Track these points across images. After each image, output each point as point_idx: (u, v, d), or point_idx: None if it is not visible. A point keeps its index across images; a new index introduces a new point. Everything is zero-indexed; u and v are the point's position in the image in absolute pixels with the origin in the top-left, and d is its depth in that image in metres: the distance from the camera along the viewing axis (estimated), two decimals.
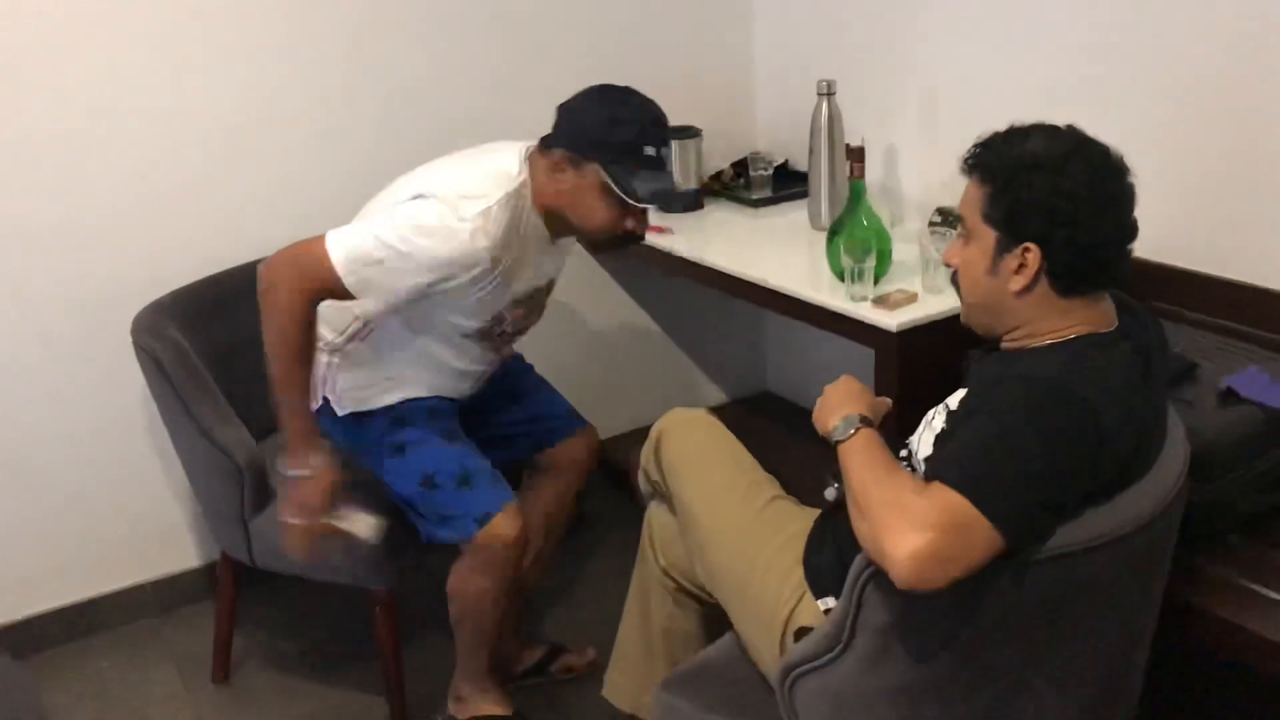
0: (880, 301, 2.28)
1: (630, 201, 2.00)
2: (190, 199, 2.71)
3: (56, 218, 2.58)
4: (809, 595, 1.73)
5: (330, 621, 2.83)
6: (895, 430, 2.24)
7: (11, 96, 2.47)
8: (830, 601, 1.70)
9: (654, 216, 2.91)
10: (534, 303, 2.26)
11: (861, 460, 1.49)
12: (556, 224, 2.11)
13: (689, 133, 3.02)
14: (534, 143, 2.10)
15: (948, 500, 1.33)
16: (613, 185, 1.99)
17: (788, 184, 3.13)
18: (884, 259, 2.37)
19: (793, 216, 2.98)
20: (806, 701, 1.57)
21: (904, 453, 1.68)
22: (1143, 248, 1.60)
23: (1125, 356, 1.52)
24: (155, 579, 2.90)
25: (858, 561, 1.44)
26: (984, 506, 1.33)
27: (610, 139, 1.98)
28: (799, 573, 1.76)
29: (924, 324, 2.23)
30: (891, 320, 2.21)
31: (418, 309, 2.09)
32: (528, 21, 2.96)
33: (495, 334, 2.22)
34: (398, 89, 2.85)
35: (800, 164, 3.19)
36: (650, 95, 2.04)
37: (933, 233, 2.50)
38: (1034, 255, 1.50)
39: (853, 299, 2.32)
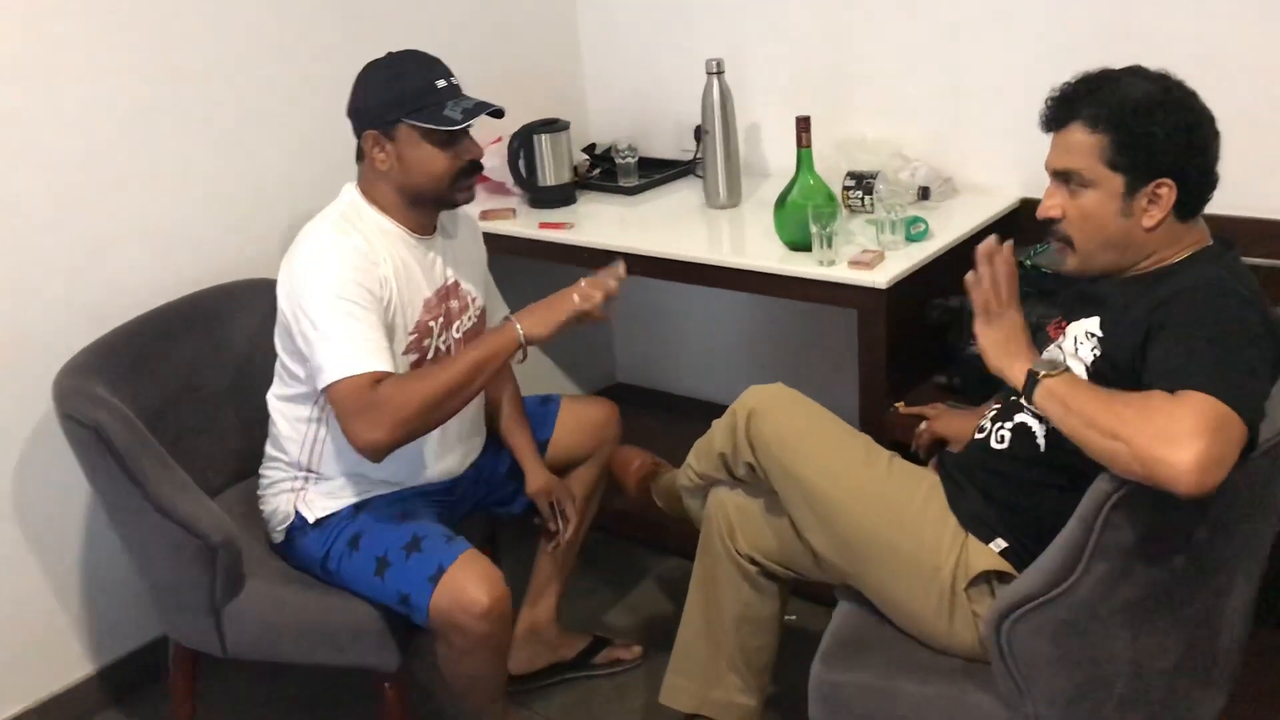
0: (856, 263, 2.33)
1: (454, 131, 1.99)
2: (56, 240, 2.33)
3: None
4: (972, 541, 1.76)
5: (289, 708, 2.52)
6: (887, 390, 2.35)
7: None
8: (1000, 542, 1.75)
9: (550, 214, 2.87)
10: (463, 318, 2.18)
11: (1084, 390, 1.54)
12: (411, 212, 2.07)
13: (558, 125, 2.93)
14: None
15: (1204, 403, 1.40)
16: (428, 126, 1.97)
17: (648, 170, 3.11)
18: (839, 223, 2.43)
19: (675, 198, 2.98)
20: (1026, 641, 1.60)
21: None
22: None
23: (1238, 261, 1.67)
24: (39, 702, 2.44)
25: (1099, 487, 1.49)
26: (1233, 403, 1.40)
27: (403, 92, 1.98)
28: (952, 521, 1.78)
29: (906, 278, 2.31)
30: (880, 277, 2.27)
31: None
32: (375, 29, 2.77)
33: (432, 355, 2.11)
34: (252, 100, 2.59)
35: (647, 150, 3.20)
36: (481, 95, 2.05)
37: (853, 196, 2.62)
38: (1169, 189, 1.61)
39: (821, 264, 2.35)
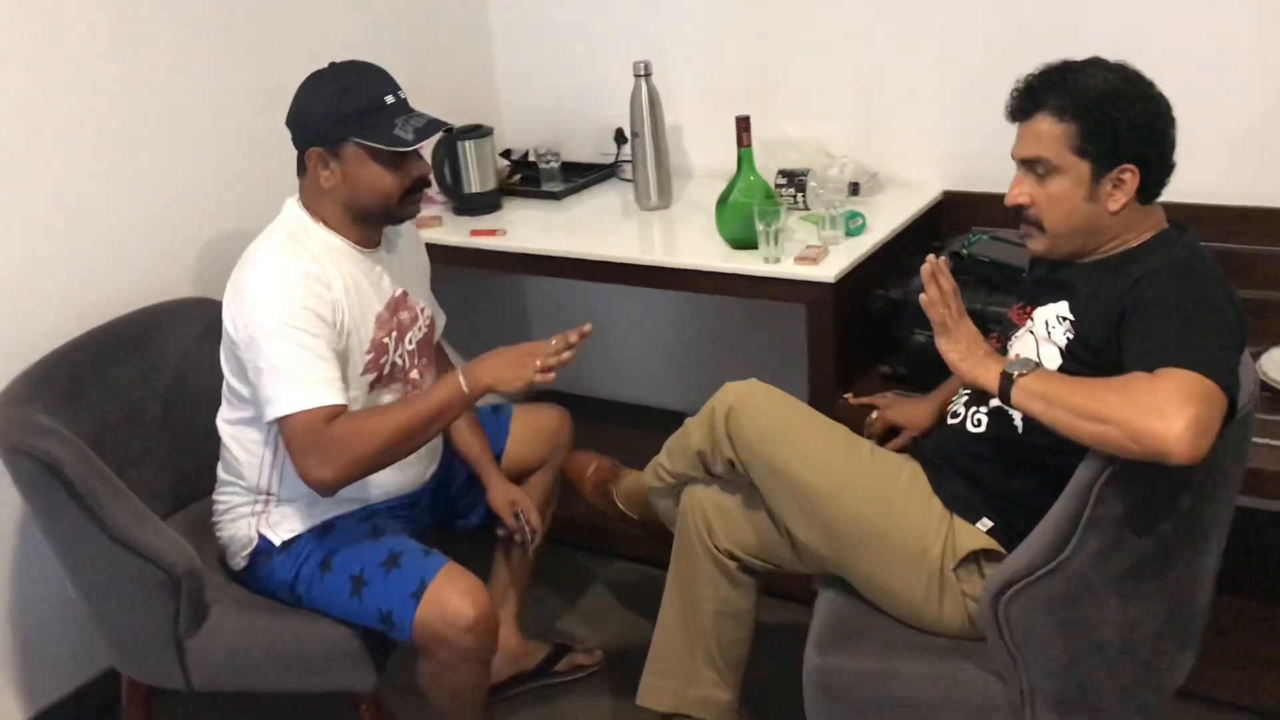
0: (802, 259, 2.37)
1: (402, 150, 1.93)
2: None
3: None
4: (958, 522, 1.81)
5: None
6: (836, 382, 2.39)
7: None
8: (987, 522, 1.80)
9: (478, 221, 2.84)
10: (414, 329, 2.13)
11: (1062, 382, 1.60)
12: (357, 227, 2.01)
13: (481, 131, 2.91)
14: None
15: (1184, 378, 1.48)
16: (378, 146, 1.92)
17: (570, 174, 3.11)
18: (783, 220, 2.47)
19: (602, 201, 2.99)
20: (1023, 614, 1.65)
21: None
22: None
23: (1196, 241, 1.76)
24: None
25: (1090, 466, 1.55)
26: (1211, 374, 1.49)
27: (348, 109, 1.91)
28: (937, 504, 1.83)
29: (850, 271, 2.36)
30: (828, 272, 2.32)
31: None
32: (286, 37, 2.70)
33: (389, 371, 2.07)
34: (166, 116, 2.49)
35: (565, 154, 3.18)
36: None
37: (785, 194, 2.67)
38: (1132, 174, 1.68)
39: (767, 261, 2.39)
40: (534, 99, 3.29)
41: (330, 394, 1.86)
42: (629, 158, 3.00)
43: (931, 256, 1.77)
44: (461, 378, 1.90)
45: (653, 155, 2.80)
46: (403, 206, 2.01)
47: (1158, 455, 1.45)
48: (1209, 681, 2.14)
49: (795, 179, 2.70)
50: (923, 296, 1.76)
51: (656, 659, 2.15)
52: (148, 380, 2.29)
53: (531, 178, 3.10)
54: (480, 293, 3.33)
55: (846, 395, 2.42)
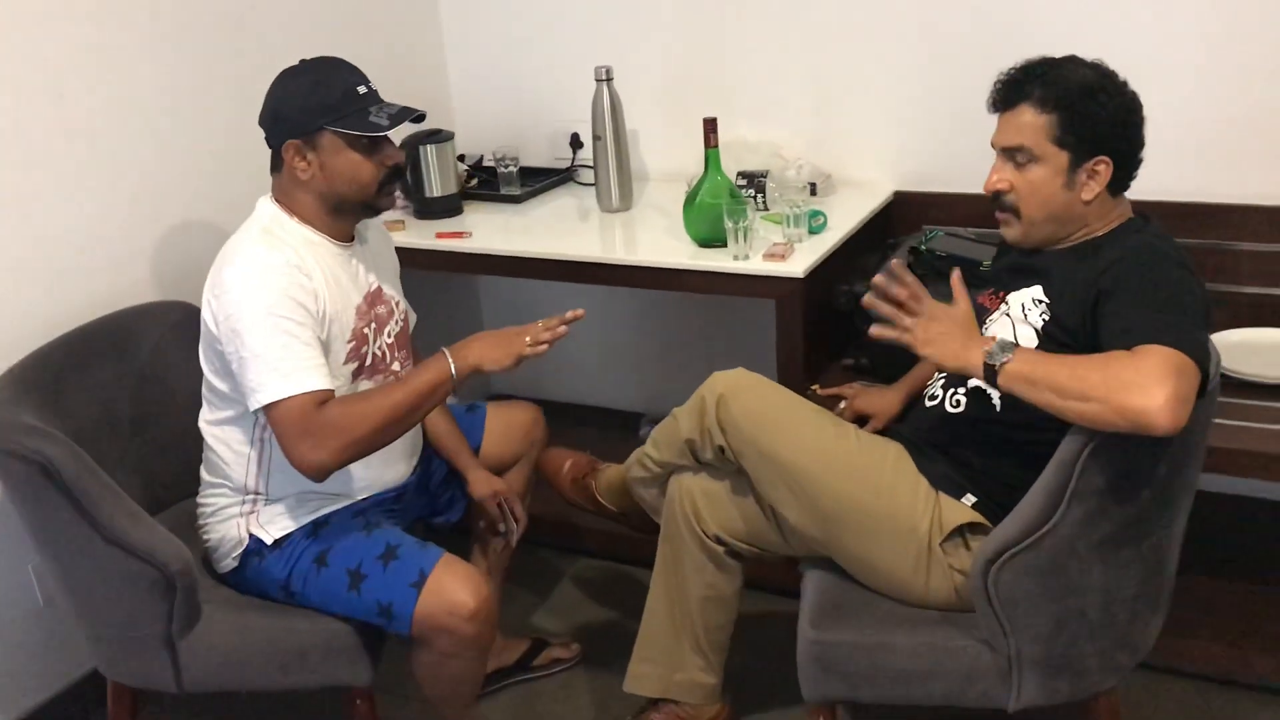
0: (771, 255, 2.45)
1: (377, 137, 1.96)
2: None
3: None
4: (944, 499, 1.90)
5: None
6: (804, 374, 2.47)
7: None
8: (971, 498, 1.89)
9: (442, 224, 2.87)
10: (390, 323, 2.15)
11: (1044, 363, 1.67)
12: (333, 220, 2.03)
13: (442, 136, 2.93)
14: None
15: (1162, 353, 1.58)
16: (354, 133, 1.94)
17: (527, 179, 3.15)
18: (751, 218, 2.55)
19: (561, 204, 3.04)
20: (1012, 582, 1.74)
21: None
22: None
23: (1159, 229, 1.87)
24: None
25: (1074, 440, 1.65)
26: (1186, 350, 1.59)
27: (325, 99, 1.94)
28: (924, 483, 1.91)
29: (817, 267, 2.44)
30: (796, 267, 2.40)
31: None
32: (253, 44, 2.71)
33: (370, 362, 2.09)
34: (133, 118, 2.48)
35: (522, 159, 3.22)
36: None
37: (746, 194, 2.74)
38: (1107, 166, 1.80)
39: (737, 258, 2.46)
40: (487, 105, 3.32)
41: (320, 379, 1.88)
42: (585, 162, 3.07)
43: (878, 278, 1.76)
44: (449, 358, 1.93)
45: (614, 158, 2.85)
46: (380, 197, 2.03)
47: (1142, 428, 1.55)
48: (1199, 657, 2.29)
49: (755, 180, 2.78)
50: (874, 328, 1.76)
51: (643, 645, 2.20)
52: (122, 384, 2.28)
53: (489, 182, 3.14)
54: (434, 298, 3.34)
55: (814, 386, 2.50)
